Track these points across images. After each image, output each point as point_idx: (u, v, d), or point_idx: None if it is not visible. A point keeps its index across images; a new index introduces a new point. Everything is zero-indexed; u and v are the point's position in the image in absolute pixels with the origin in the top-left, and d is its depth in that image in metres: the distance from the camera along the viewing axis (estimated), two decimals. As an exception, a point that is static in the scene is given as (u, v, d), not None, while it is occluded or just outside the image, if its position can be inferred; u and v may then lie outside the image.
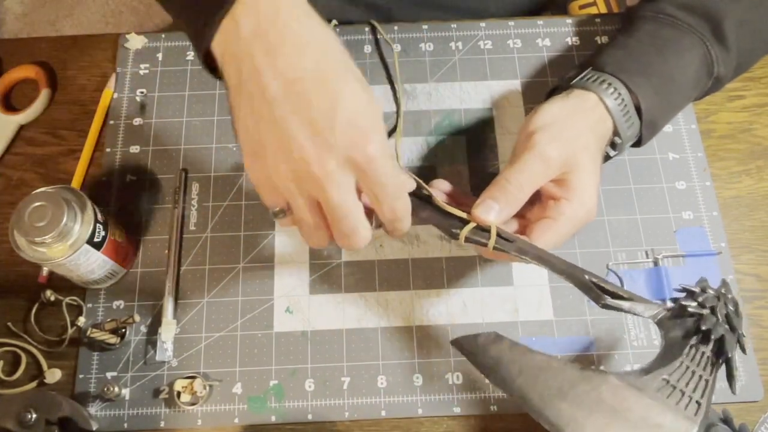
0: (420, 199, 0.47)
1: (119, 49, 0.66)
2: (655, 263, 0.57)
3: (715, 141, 0.63)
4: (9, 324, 0.56)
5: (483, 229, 0.46)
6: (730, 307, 0.43)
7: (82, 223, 0.50)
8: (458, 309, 0.56)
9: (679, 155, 0.62)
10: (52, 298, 0.56)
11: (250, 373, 0.54)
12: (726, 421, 0.51)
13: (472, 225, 0.46)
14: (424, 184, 0.47)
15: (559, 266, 0.45)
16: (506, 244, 0.45)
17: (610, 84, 0.51)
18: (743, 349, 0.43)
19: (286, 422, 0.53)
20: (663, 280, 0.56)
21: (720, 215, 0.59)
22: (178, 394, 0.52)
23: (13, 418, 0.48)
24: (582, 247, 0.58)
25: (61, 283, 0.56)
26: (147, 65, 0.65)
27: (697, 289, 0.44)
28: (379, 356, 0.55)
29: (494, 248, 0.46)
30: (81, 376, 0.54)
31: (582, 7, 0.78)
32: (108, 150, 0.62)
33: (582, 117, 0.50)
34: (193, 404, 0.52)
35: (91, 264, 0.52)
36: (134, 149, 0.62)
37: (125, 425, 0.53)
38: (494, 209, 0.46)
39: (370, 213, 0.44)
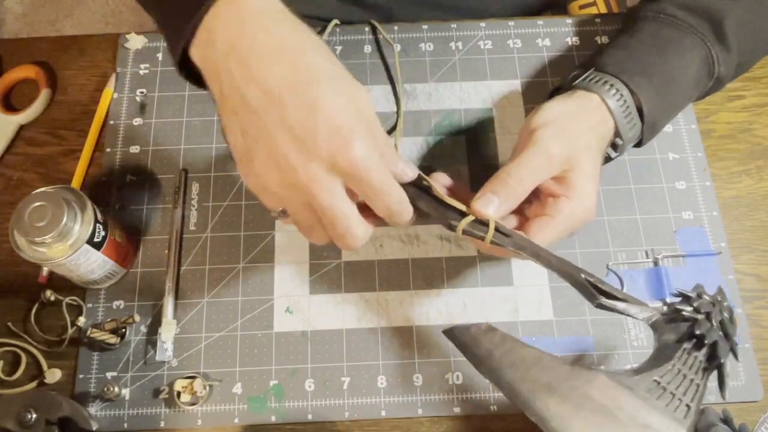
0: (420, 189, 0.46)
1: (119, 49, 0.66)
2: (655, 263, 0.57)
3: (715, 141, 0.63)
4: (9, 324, 0.56)
5: (481, 223, 0.46)
6: (725, 314, 0.43)
7: (82, 223, 0.50)
8: (458, 309, 0.56)
9: (679, 155, 0.62)
10: (52, 298, 0.56)
11: (250, 373, 0.54)
12: (726, 421, 0.51)
13: (470, 218, 0.46)
14: (424, 175, 0.47)
15: (555, 264, 0.44)
16: (504, 239, 0.45)
17: (612, 85, 0.51)
18: (735, 356, 0.43)
19: (286, 422, 0.53)
20: (663, 280, 0.56)
21: (720, 215, 0.59)
22: (178, 394, 0.52)
23: (13, 418, 0.48)
24: (582, 247, 0.58)
25: (61, 283, 0.56)
26: (147, 65, 0.65)
27: (693, 294, 0.44)
28: (379, 356, 0.55)
29: (491, 242, 0.45)
30: (81, 376, 0.54)
31: (582, 7, 0.78)
32: (108, 150, 0.62)
33: (584, 117, 0.50)
34: (193, 404, 0.52)
35: (91, 264, 0.52)
36: (134, 149, 0.62)
37: (125, 425, 0.53)
38: (494, 203, 0.46)
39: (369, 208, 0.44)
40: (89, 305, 0.56)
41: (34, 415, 0.48)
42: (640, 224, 0.59)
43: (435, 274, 0.57)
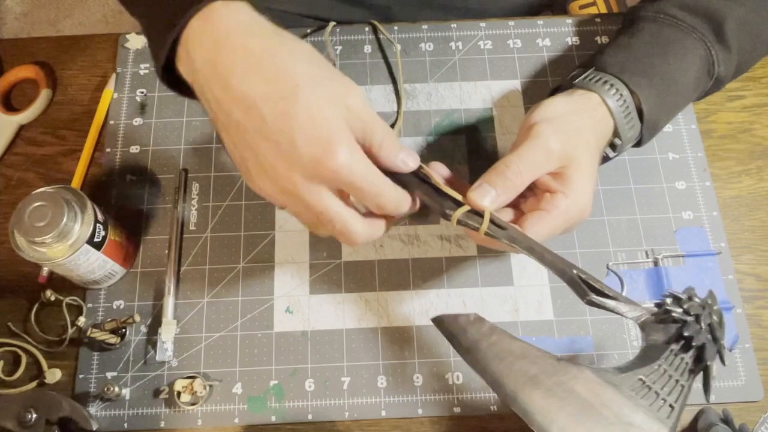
0: (418, 178, 0.46)
1: (119, 49, 0.66)
2: (655, 263, 0.57)
3: (715, 141, 0.63)
4: (9, 324, 0.56)
5: (477, 214, 0.46)
6: (715, 318, 0.43)
7: (82, 223, 0.50)
8: (458, 309, 0.56)
9: (679, 155, 0.62)
10: (52, 298, 0.56)
11: (250, 373, 0.54)
12: (726, 421, 0.51)
13: (466, 207, 0.46)
14: (422, 164, 0.47)
15: (548, 259, 0.44)
16: (498, 231, 0.45)
17: (612, 85, 0.51)
18: (722, 360, 0.43)
19: (286, 422, 0.53)
20: (663, 280, 0.56)
21: (720, 215, 0.59)
22: (178, 394, 0.52)
23: (13, 418, 0.48)
24: (582, 247, 0.58)
25: (61, 283, 0.56)
26: (147, 65, 0.65)
27: (683, 296, 0.44)
28: (379, 356, 0.55)
29: (486, 234, 0.45)
30: (81, 376, 0.54)
31: (582, 7, 0.78)
32: (108, 150, 0.62)
33: (584, 115, 0.50)
34: (193, 404, 0.52)
35: (91, 264, 0.52)
36: (134, 149, 0.62)
37: (125, 425, 0.53)
38: (490, 194, 0.46)
39: None
40: (89, 305, 0.56)
41: (34, 415, 0.48)
42: (640, 224, 0.59)
43: (435, 274, 0.57)
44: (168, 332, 0.54)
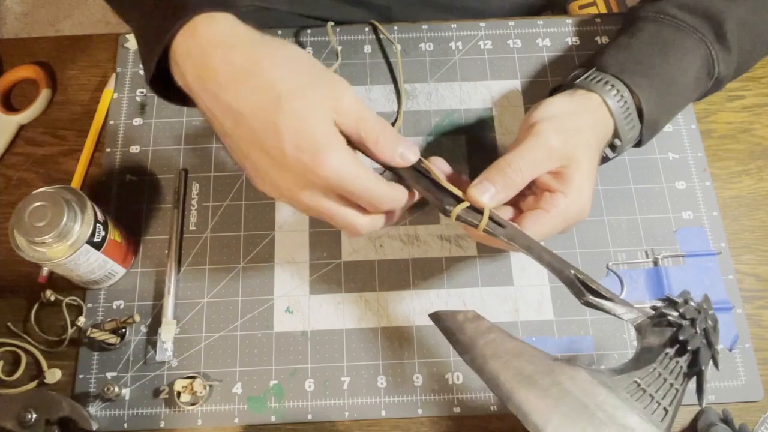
0: (418, 172, 0.46)
1: (119, 49, 0.66)
2: (655, 263, 0.57)
3: (715, 141, 0.63)
4: (9, 324, 0.56)
5: (476, 210, 0.46)
6: (709, 322, 0.43)
7: (82, 223, 0.50)
8: (458, 308, 0.56)
9: (679, 155, 0.62)
10: (52, 298, 0.56)
11: (250, 373, 0.54)
12: (726, 421, 0.51)
13: (465, 204, 0.46)
14: (422, 158, 0.47)
15: (546, 258, 0.44)
16: (497, 228, 0.45)
17: (613, 86, 0.51)
18: (716, 365, 0.44)
19: (286, 422, 0.53)
20: (663, 280, 0.56)
21: (720, 215, 0.59)
22: (178, 394, 0.52)
23: (13, 418, 0.48)
24: (582, 247, 0.58)
25: (61, 283, 0.56)
26: (147, 65, 0.65)
27: (679, 300, 0.44)
28: (379, 356, 0.55)
29: (484, 231, 0.45)
30: (81, 376, 0.54)
31: (582, 7, 0.78)
32: (108, 150, 0.62)
33: (585, 116, 0.50)
34: (193, 404, 0.52)
35: (91, 264, 0.52)
36: (134, 149, 0.62)
37: (125, 425, 0.53)
38: (490, 191, 0.46)
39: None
40: (89, 305, 0.56)
41: (34, 415, 0.48)
42: (640, 224, 0.59)
43: (435, 274, 0.57)
44: (168, 332, 0.54)
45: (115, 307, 0.56)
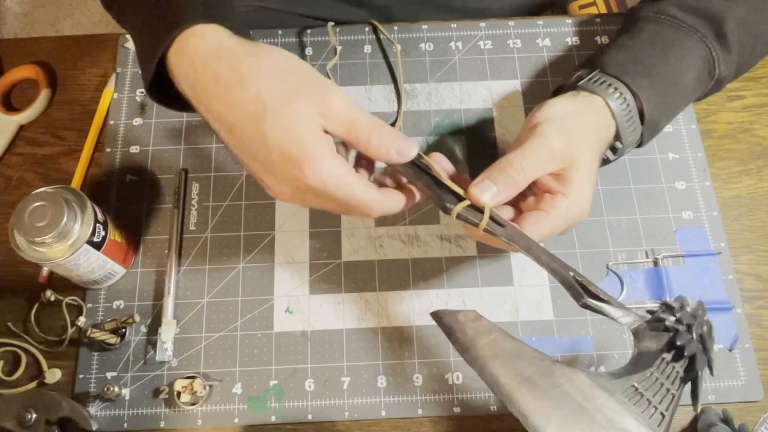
0: (419, 168, 0.46)
1: (119, 49, 0.66)
2: (655, 263, 0.57)
3: (715, 141, 0.63)
4: (9, 324, 0.56)
5: (477, 209, 0.45)
6: (705, 328, 0.44)
7: (82, 223, 0.50)
8: (459, 309, 0.56)
9: (679, 155, 0.62)
10: (52, 298, 0.56)
11: (250, 373, 0.54)
12: (726, 421, 0.51)
13: (466, 202, 0.45)
14: (423, 155, 0.47)
15: (545, 260, 0.44)
16: (497, 228, 0.45)
17: (616, 89, 0.51)
18: (711, 371, 0.44)
19: (286, 422, 0.53)
20: (663, 280, 0.56)
21: (720, 215, 0.59)
22: (178, 394, 0.52)
23: (13, 418, 0.48)
24: (582, 247, 0.58)
25: (61, 283, 0.56)
26: (147, 65, 0.65)
27: (676, 305, 0.44)
28: (379, 356, 0.55)
29: (484, 230, 0.45)
30: (81, 376, 0.54)
31: (582, 7, 0.78)
32: (108, 150, 0.62)
33: (588, 118, 0.50)
34: (193, 404, 0.52)
35: (91, 264, 0.52)
36: (134, 149, 0.62)
37: (125, 425, 0.53)
38: (491, 190, 0.46)
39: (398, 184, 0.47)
40: (89, 305, 0.56)
41: (34, 415, 0.48)
42: (640, 224, 0.59)
43: (435, 274, 0.57)
44: (168, 332, 0.54)
45: (115, 307, 0.56)
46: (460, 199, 0.46)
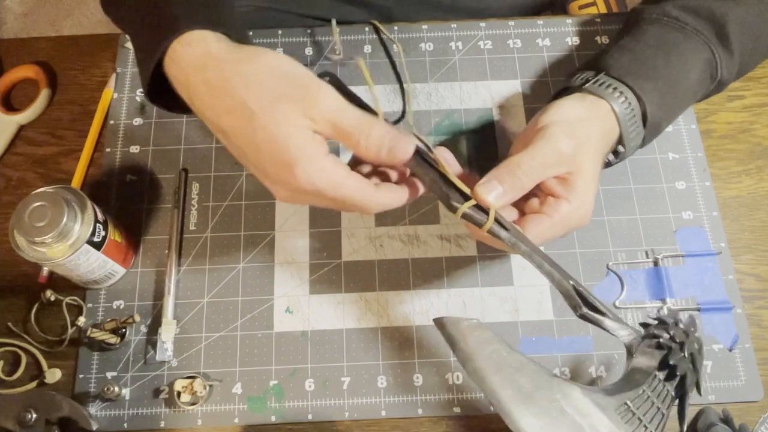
0: (426, 162, 0.46)
1: (119, 49, 0.66)
2: (655, 263, 0.57)
3: (715, 141, 0.63)
4: (9, 324, 0.56)
5: (482, 210, 0.45)
6: (696, 345, 0.44)
7: (82, 223, 0.50)
8: (458, 309, 0.56)
9: (679, 155, 0.62)
10: (52, 298, 0.56)
11: (250, 373, 0.54)
12: (726, 421, 0.51)
13: (472, 202, 0.45)
14: (431, 148, 0.46)
15: (546, 267, 0.44)
16: (501, 231, 0.45)
17: (621, 93, 0.51)
18: (699, 391, 0.44)
19: (286, 422, 0.53)
20: (663, 281, 0.56)
21: (720, 215, 0.59)
22: (178, 394, 0.52)
23: (13, 418, 0.48)
24: (582, 247, 0.58)
25: (61, 283, 0.56)
26: (147, 65, 0.65)
27: (670, 321, 0.44)
28: (379, 356, 0.55)
29: (488, 231, 0.45)
30: (81, 376, 0.54)
31: (582, 7, 0.78)
32: (108, 150, 0.62)
33: (595, 122, 0.50)
34: (193, 404, 0.52)
35: (91, 264, 0.52)
36: (134, 149, 0.62)
37: (125, 425, 0.53)
38: (497, 190, 0.45)
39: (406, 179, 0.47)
40: (89, 305, 0.56)
41: (34, 415, 0.48)
42: (640, 224, 0.59)
43: (435, 274, 0.57)
44: (168, 332, 0.54)
45: (115, 307, 0.56)
46: (465, 197, 0.45)
